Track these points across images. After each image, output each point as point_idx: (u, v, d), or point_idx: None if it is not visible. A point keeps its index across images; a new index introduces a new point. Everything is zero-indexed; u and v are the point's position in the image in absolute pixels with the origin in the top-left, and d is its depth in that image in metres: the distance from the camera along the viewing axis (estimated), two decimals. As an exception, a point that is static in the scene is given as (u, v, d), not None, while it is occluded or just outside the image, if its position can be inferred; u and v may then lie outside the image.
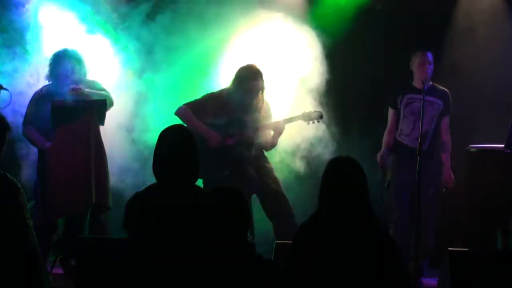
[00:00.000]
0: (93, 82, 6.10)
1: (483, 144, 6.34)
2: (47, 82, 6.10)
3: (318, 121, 6.18)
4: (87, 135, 5.88)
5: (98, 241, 5.21)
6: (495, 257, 4.89)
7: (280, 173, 6.30)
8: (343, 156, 3.73)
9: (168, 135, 3.80)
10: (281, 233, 5.77)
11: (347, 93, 7.17)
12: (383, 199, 6.13)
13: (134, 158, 6.40)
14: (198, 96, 6.19)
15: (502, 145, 5.68)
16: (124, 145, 6.40)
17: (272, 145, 6.16)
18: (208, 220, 3.48)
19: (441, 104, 6.10)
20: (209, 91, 6.26)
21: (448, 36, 7.18)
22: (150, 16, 6.63)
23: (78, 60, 6.02)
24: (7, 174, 3.75)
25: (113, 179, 6.14)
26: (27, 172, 6.18)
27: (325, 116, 6.26)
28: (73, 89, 5.87)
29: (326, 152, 6.38)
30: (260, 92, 6.04)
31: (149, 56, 6.64)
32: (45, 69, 6.10)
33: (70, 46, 6.14)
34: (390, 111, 6.29)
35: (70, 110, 5.86)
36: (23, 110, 6.06)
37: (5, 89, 5.57)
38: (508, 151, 5.55)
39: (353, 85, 7.22)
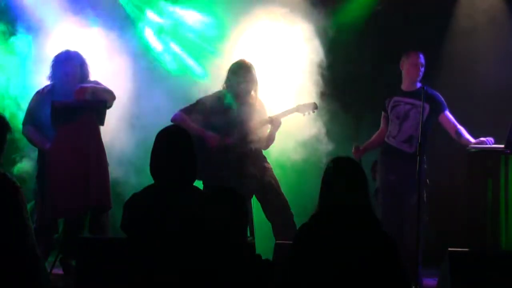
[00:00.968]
0: (95, 82, 6.09)
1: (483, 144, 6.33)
2: (48, 82, 6.10)
3: (314, 112, 6.15)
4: (87, 135, 5.88)
5: (98, 241, 5.21)
6: (495, 257, 4.89)
7: (277, 171, 6.29)
8: (343, 156, 3.73)
9: (165, 136, 3.80)
10: (280, 234, 5.78)
11: (346, 89, 7.17)
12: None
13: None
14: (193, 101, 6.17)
15: (502, 145, 5.67)
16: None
17: (269, 141, 6.15)
18: (206, 220, 3.48)
19: (426, 107, 5.90)
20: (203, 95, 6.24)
21: (448, 36, 7.18)
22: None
23: (80, 62, 6.02)
24: (7, 173, 3.75)
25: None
26: (28, 172, 6.21)
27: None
28: (77, 93, 5.83)
29: (325, 149, 6.41)
30: (253, 85, 6.02)
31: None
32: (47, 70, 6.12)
33: (72, 47, 6.15)
34: (382, 113, 6.30)
35: (70, 110, 5.86)
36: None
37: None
38: (508, 151, 5.54)
39: (353, 83, 7.22)
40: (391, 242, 3.57)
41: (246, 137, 6.00)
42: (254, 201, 6.08)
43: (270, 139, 6.14)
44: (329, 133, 6.53)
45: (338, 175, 3.59)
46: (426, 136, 5.99)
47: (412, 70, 6.07)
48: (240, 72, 5.98)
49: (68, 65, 5.96)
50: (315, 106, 6.15)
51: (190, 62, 6.99)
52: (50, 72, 6.05)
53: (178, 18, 7.07)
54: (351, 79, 7.21)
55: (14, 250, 3.58)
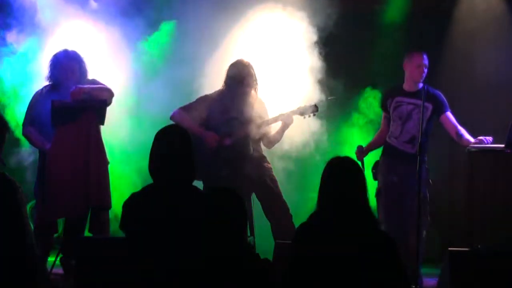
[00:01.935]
0: (93, 81, 6.09)
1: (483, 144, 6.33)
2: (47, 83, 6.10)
3: (314, 115, 6.10)
4: (87, 135, 5.88)
5: (98, 241, 5.21)
6: (495, 257, 4.89)
7: (276, 172, 6.29)
8: (342, 156, 3.73)
9: (164, 135, 3.79)
10: (279, 233, 5.78)
11: (346, 89, 7.18)
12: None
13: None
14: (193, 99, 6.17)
15: (502, 145, 5.67)
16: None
17: (274, 140, 6.12)
18: (205, 220, 3.47)
19: (429, 107, 5.93)
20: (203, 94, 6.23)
21: (448, 36, 7.18)
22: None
23: (78, 61, 6.01)
24: (5, 173, 3.74)
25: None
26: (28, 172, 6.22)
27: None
28: (73, 94, 5.82)
29: (325, 149, 6.41)
30: (253, 84, 6.01)
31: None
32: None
33: (70, 46, 6.14)
34: (383, 113, 6.28)
35: (70, 110, 5.85)
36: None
37: None
38: (508, 151, 5.53)
39: (352, 82, 7.23)
40: (391, 241, 3.57)
41: (245, 137, 6.00)
42: (254, 200, 6.08)
43: (276, 138, 6.12)
44: (329, 133, 6.53)
45: (337, 175, 3.60)
46: (428, 136, 5.99)
47: (415, 71, 6.00)
48: (239, 72, 5.97)
49: (67, 64, 5.96)
50: (315, 109, 6.07)
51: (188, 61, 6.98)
52: (49, 72, 6.05)
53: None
54: (351, 79, 7.21)
55: (13, 250, 3.58)
